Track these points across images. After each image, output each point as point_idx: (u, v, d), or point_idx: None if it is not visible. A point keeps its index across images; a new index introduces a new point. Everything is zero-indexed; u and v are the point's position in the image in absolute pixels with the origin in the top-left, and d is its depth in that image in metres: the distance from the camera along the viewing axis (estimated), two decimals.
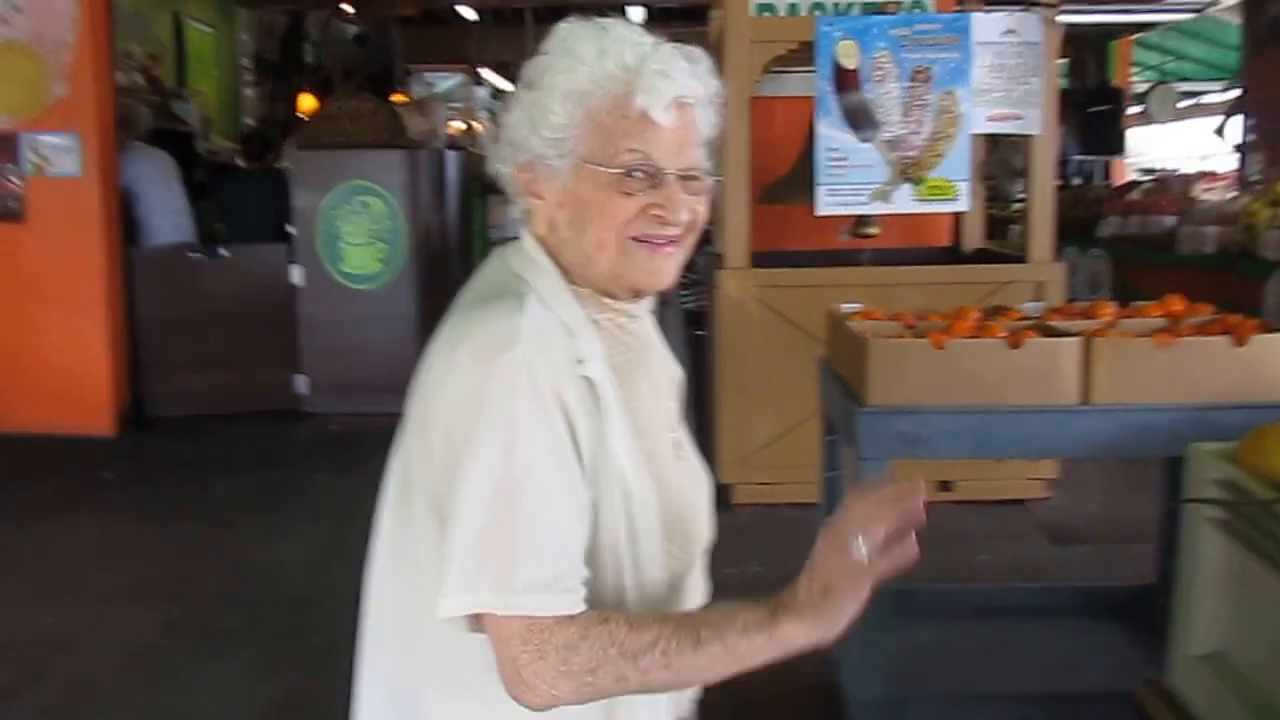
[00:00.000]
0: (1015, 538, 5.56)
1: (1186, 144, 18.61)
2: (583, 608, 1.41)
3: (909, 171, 5.60)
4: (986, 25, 5.60)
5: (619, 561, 1.49)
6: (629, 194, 1.49)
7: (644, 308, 1.64)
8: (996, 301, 4.25)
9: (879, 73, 5.54)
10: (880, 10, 5.97)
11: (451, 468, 1.42)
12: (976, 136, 5.93)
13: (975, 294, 4.94)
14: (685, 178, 1.51)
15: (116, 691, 4.19)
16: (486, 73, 14.85)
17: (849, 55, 5.54)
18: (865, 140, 5.56)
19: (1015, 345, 3.17)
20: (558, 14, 1.60)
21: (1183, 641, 2.30)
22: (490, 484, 1.40)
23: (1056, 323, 3.45)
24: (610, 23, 1.52)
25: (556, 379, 1.44)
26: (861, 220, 6.10)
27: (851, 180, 5.61)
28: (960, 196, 5.71)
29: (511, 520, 1.39)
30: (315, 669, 4.17)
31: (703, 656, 1.37)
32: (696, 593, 1.65)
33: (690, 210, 1.52)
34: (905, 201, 5.65)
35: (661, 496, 1.54)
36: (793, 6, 6.54)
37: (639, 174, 1.48)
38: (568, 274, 1.56)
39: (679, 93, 1.49)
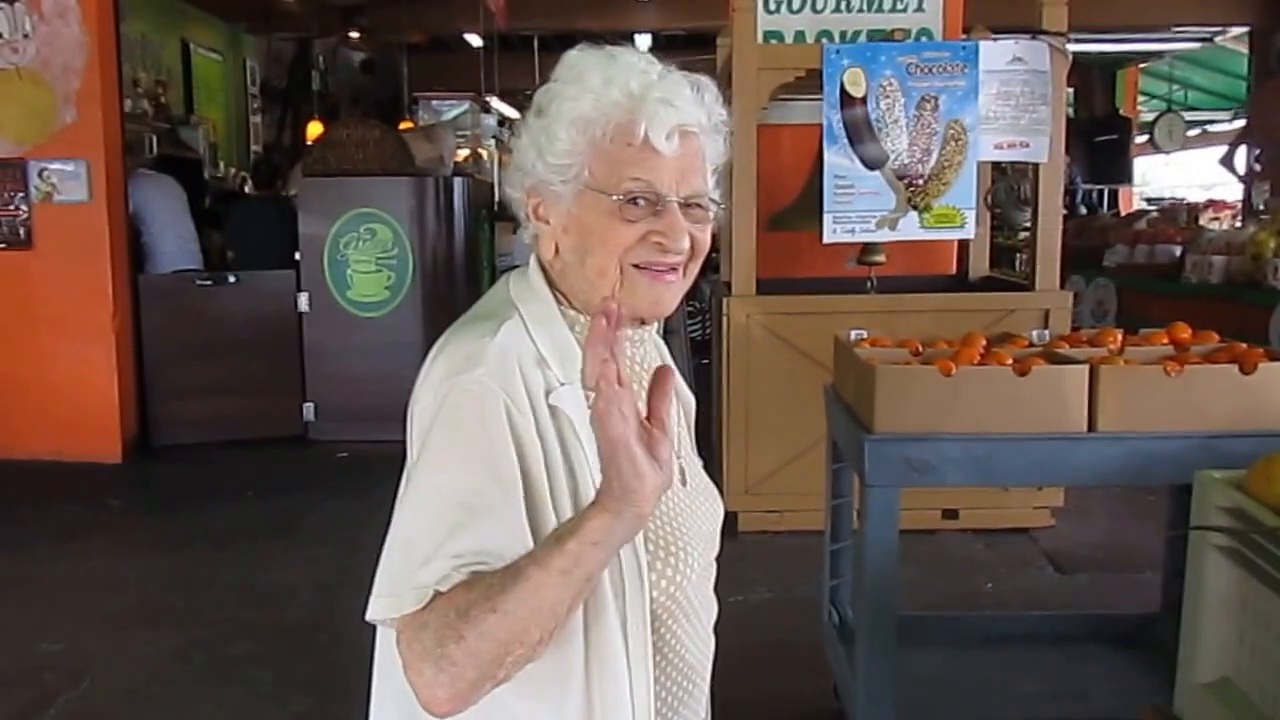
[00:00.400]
0: (1020, 566, 5.55)
1: (1193, 173, 18.65)
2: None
3: (915, 199, 5.62)
4: (994, 53, 5.62)
5: (598, 586, 1.46)
6: (630, 221, 1.49)
7: (647, 333, 1.65)
8: (1003, 329, 4.26)
9: (886, 100, 5.56)
10: (887, 38, 6.00)
11: None
12: (983, 164, 5.94)
13: (982, 321, 4.94)
14: (687, 205, 1.52)
15: (127, 718, 4.19)
16: (494, 100, 14.90)
17: (856, 83, 5.56)
18: (871, 164, 5.58)
19: (1022, 373, 3.17)
20: (565, 41, 1.61)
21: (1189, 669, 2.29)
22: (418, 494, 1.43)
23: (1063, 350, 3.45)
24: (619, 51, 1.53)
25: (513, 403, 1.45)
26: (868, 248, 6.11)
27: (858, 208, 5.62)
28: (967, 224, 5.73)
29: (425, 529, 1.39)
30: (326, 693, 4.18)
31: (525, 585, 1.30)
32: (694, 617, 1.64)
33: (692, 238, 1.53)
34: (912, 229, 5.67)
35: (651, 522, 1.52)
36: (800, 34, 6.56)
37: (641, 201, 1.49)
38: (570, 299, 1.58)
39: (681, 121, 1.50)
